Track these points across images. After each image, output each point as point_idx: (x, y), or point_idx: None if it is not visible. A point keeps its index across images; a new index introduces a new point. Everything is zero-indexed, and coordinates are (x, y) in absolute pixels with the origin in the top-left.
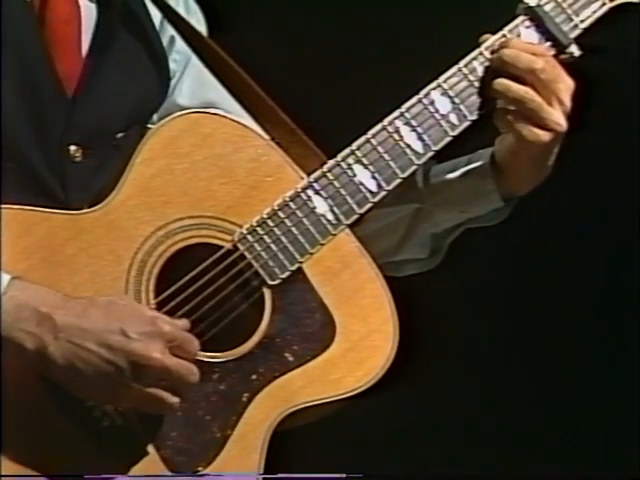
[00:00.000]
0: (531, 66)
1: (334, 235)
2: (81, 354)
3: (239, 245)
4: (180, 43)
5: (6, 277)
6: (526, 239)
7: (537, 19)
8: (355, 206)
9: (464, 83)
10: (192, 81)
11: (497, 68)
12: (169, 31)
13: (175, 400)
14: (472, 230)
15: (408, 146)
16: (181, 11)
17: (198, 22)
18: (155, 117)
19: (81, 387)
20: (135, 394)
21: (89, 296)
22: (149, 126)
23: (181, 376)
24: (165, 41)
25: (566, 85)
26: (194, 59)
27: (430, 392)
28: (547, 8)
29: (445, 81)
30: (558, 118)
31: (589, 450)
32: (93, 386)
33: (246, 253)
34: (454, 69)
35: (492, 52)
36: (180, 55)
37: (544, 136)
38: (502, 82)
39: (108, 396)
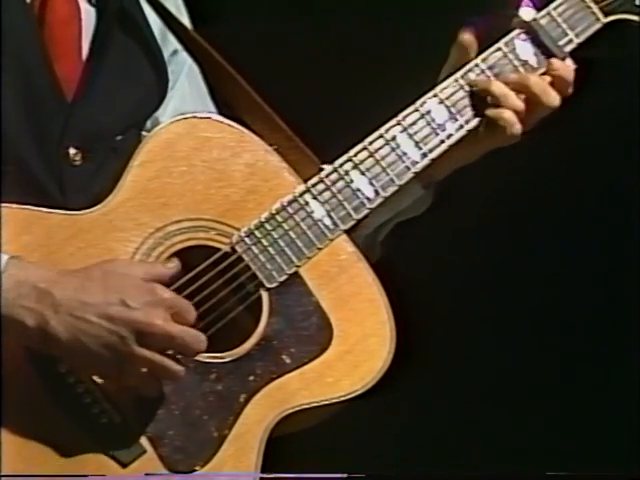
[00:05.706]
0: (523, 82)
1: (331, 240)
2: (83, 327)
3: (237, 247)
4: (178, 58)
5: (4, 257)
6: (526, 240)
7: (532, 33)
8: (352, 212)
9: (460, 93)
10: (177, 101)
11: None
12: (172, 45)
13: (179, 368)
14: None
15: (405, 154)
16: (172, 9)
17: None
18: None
19: (85, 361)
20: (139, 364)
21: (84, 268)
22: (144, 133)
23: (186, 343)
24: (167, 54)
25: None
26: (183, 77)
27: (427, 395)
28: (542, 22)
29: (442, 91)
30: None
31: (589, 450)
32: (97, 359)
33: (244, 256)
34: (451, 79)
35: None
36: (177, 66)
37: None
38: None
39: (112, 369)
